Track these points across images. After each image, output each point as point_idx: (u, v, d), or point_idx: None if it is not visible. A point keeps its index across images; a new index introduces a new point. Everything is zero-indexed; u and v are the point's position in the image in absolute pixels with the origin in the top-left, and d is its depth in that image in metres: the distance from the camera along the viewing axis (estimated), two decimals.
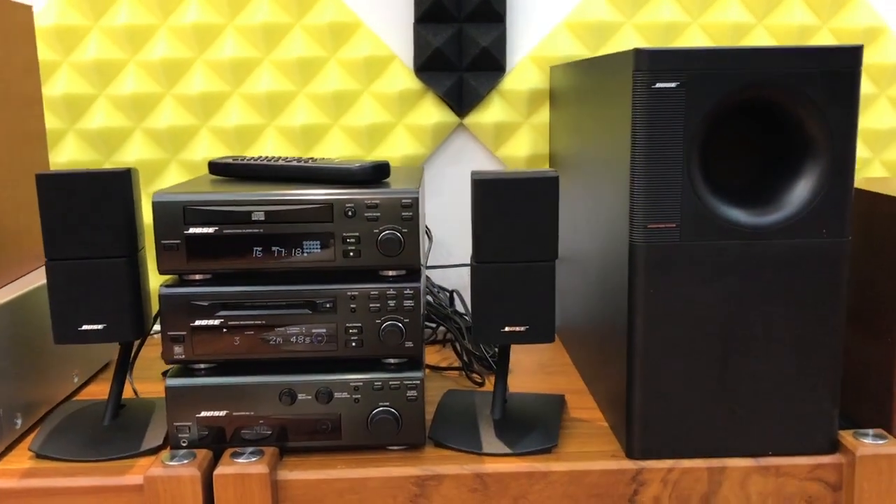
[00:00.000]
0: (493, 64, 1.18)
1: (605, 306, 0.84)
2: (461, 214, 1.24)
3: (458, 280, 1.24)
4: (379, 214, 0.76)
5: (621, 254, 0.77)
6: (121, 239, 0.79)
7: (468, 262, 1.22)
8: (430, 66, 1.18)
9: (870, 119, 1.22)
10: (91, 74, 1.16)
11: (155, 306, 0.84)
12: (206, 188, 0.78)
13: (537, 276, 0.78)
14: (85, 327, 0.79)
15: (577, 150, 1.00)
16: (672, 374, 0.76)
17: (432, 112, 1.20)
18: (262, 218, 0.76)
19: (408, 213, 0.76)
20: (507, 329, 0.79)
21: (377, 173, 0.80)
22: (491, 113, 1.20)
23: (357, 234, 0.76)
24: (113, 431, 0.83)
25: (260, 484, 0.74)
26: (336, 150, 1.19)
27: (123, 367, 0.86)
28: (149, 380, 1.02)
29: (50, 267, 0.78)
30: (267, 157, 0.85)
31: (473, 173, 0.77)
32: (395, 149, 1.20)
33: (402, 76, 1.19)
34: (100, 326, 0.79)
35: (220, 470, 0.74)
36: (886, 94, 1.21)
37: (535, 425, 0.83)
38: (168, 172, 1.19)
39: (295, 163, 0.83)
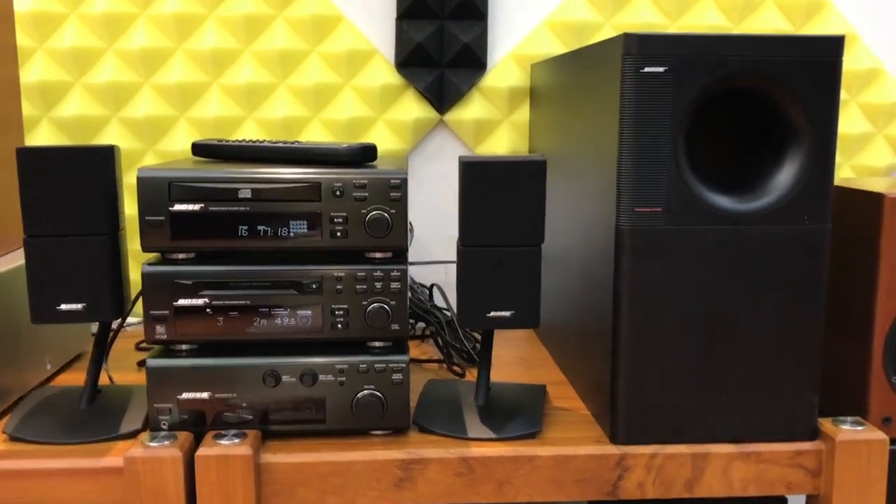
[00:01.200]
0: (474, 61, 1.19)
1: (589, 295, 0.85)
2: (441, 211, 1.24)
3: (436, 276, 1.23)
4: (367, 194, 0.76)
5: (607, 240, 0.78)
6: (102, 216, 0.77)
7: (447, 258, 1.23)
8: (411, 61, 1.19)
9: (840, 125, 1.24)
10: (68, 61, 1.14)
11: (135, 288, 0.83)
12: (192, 166, 0.78)
13: (524, 260, 0.78)
14: (63, 306, 0.78)
15: (558, 145, 1.00)
16: (656, 359, 0.77)
17: (413, 108, 1.20)
18: (249, 196, 0.75)
19: (396, 194, 0.76)
20: (492, 314, 0.79)
21: (364, 155, 0.80)
22: (471, 110, 1.20)
23: (344, 213, 0.76)
24: (90, 415, 0.81)
25: (243, 466, 0.73)
26: None
27: (101, 349, 0.85)
28: (123, 370, 1.00)
29: (28, 243, 0.77)
30: (252, 140, 0.84)
31: (462, 157, 0.77)
32: (376, 143, 1.19)
33: (383, 71, 1.19)
34: (79, 306, 0.78)
35: (202, 451, 0.73)
36: (857, 100, 1.24)
37: (518, 412, 0.83)
38: (143, 162, 1.18)
39: (281, 144, 0.82)
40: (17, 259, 0.90)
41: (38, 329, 0.92)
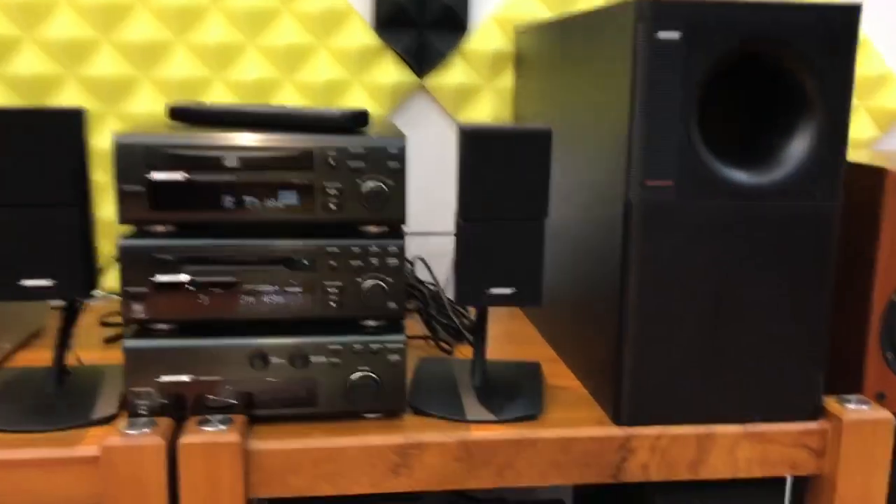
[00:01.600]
0: (455, 23, 1.14)
1: (590, 270, 0.81)
2: (420, 180, 1.19)
3: (419, 248, 1.19)
4: (364, 164, 0.71)
5: (613, 213, 0.74)
6: (72, 185, 0.71)
7: (429, 230, 1.18)
8: (390, 21, 1.13)
9: None
10: (14, 13, 1.06)
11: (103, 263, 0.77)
12: (170, 131, 0.71)
13: (527, 235, 0.74)
14: (27, 282, 0.71)
15: (550, 114, 0.96)
16: (662, 338, 0.74)
17: (391, 71, 1.14)
18: (236, 164, 0.69)
19: (395, 164, 0.71)
20: (492, 291, 0.75)
21: (357, 121, 0.74)
22: (452, 74, 1.15)
23: (339, 185, 0.71)
24: (58, 399, 0.75)
25: (230, 454, 0.68)
26: None
27: (67, 327, 0.79)
28: (88, 347, 0.94)
29: None
30: (235, 104, 0.78)
31: (462, 125, 0.73)
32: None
33: (360, 31, 1.13)
34: (47, 282, 0.72)
35: (186, 439, 0.68)
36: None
37: (517, 392, 0.79)
38: (105, 125, 1.10)
39: (266, 109, 0.76)
40: None
41: None
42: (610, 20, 0.75)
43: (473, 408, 0.76)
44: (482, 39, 1.15)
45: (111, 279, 1.12)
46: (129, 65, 1.09)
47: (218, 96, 1.11)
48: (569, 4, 1.15)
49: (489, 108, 1.17)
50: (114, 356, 0.91)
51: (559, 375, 0.88)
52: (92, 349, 0.93)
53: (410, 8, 1.12)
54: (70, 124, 0.70)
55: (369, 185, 0.71)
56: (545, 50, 0.98)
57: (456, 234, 0.75)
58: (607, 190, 0.76)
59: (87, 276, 0.73)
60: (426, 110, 1.18)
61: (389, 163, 0.71)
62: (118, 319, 1.03)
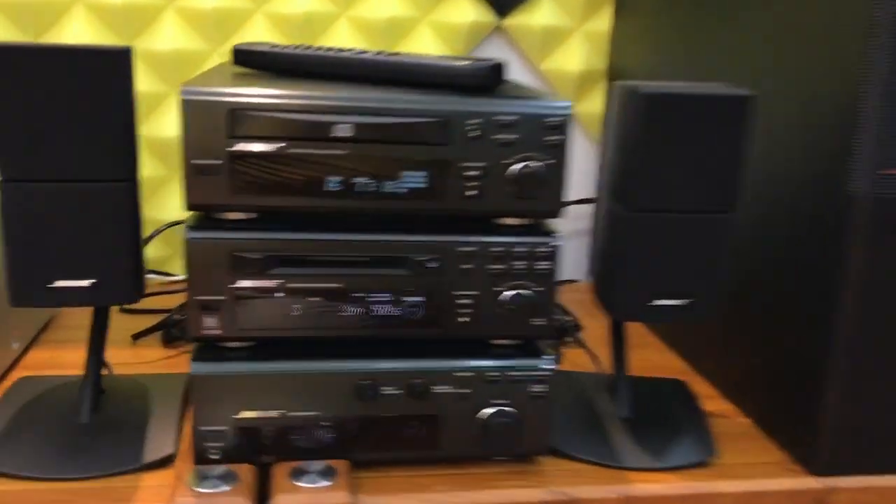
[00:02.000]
0: None
1: (779, 280, 0.64)
2: None
3: None
4: (516, 137, 0.53)
5: (820, 211, 0.57)
6: (117, 154, 0.52)
7: None
8: None
9: None
10: None
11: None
12: (260, 84, 0.53)
13: (709, 232, 0.57)
14: (60, 283, 0.53)
15: (673, 68, 0.78)
16: (882, 371, 0.58)
17: (466, 9, 0.95)
18: (349, 133, 0.51)
19: (555, 137, 0.53)
20: (657, 303, 0.58)
21: (494, 77, 0.56)
22: (539, 15, 0.97)
23: (483, 163, 0.53)
24: (96, 432, 0.58)
25: None
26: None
27: (101, 334, 0.61)
28: (111, 343, 0.75)
29: (7, 191, 0.51)
30: (323, 47, 0.59)
31: (630, 85, 0.55)
32: (417, 51, 0.95)
33: None
34: (85, 283, 0.53)
35: (280, 499, 0.51)
36: None
37: (678, 427, 0.63)
38: None
39: (371, 56, 0.57)
40: None
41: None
42: None
43: (628, 449, 0.60)
44: None
45: None
46: None
47: (257, 31, 0.92)
48: None
49: (579, 55, 0.99)
50: (145, 357, 0.73)
51: (706, 396, 0.71)
52: (116, 346, 0.75)
53: None
54: (117, 69, 0.51)
55: (522, 165, 0.53)
56: None
57: (611, 228, 0.58)
58: (811, 180, 0.59)
59: (136, 276, 0.55)
60: (505, 57, 0.99)
61: (548, 136, 0.53)
62: (144, 305, 0.85)
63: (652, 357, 0.80)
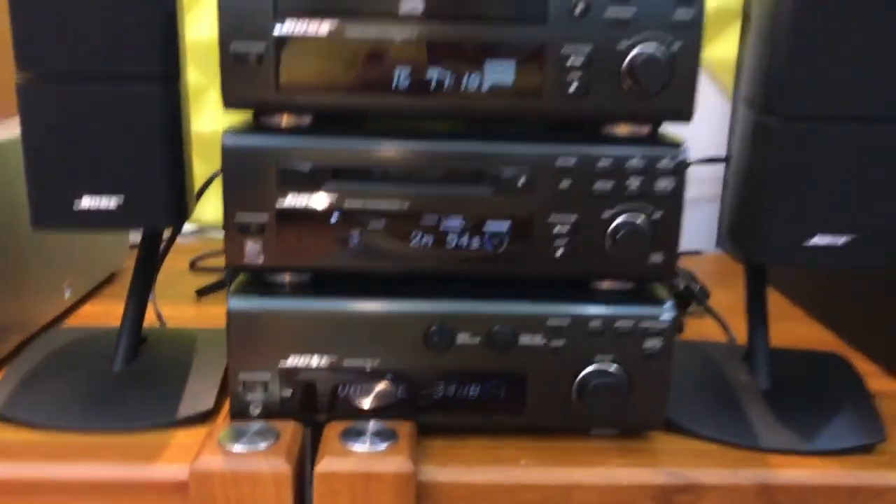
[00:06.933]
0: None
1: None
2: None
3: None
4: (632, 13, 0.41)
5: None
6: (153, 48, 0.44)
7: None
8: None
9: None
10: None
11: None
12: None
13: (889, 146, 0.44)
14: (86, 203, 0.46)
15: None
16: None
17: None
18: (420, 9, 0.41)
19: (686, 14, 0.42)
20: (816, 241, 0.45)
21: None
22: None
23: (588, 48, 0.42)
24: (129, 383, 0.50)
25: (396, 490, 0.41)
26: None
27: (146, 273, 0.53)
28: (174, 300, 0.68)
29: (25, 91, 0.44)
30: None
31: None
32: None
33: None
34: (111, 201, 0.46)
35: (326, 465, 0.41)
36: None
37: (833, 403, 0.50)
38: None
39: None
40: (5, 130, 0.57)
41: (52, 239, 0.60)
42: None
43: (768, 427, 0.48)
44: None
45: (209, 209, 0.86)
46: None
47: None
48: None
49: None
50: (209, 315, 0.66)
51: (866, 374, 0.57)
52: (179, 303, 0.68)
53: None
54: None
55: (640, 50, 0.42)
56: None
57: (757, 143, 0.46)
58: None
59: (175, 195, 0.47)
60: None
61: (679, 10, 0.41)
62: (216, 263, 0.78)
63: (796, 330, 0.66)
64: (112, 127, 0.45)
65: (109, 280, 0.73)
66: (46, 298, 0.61)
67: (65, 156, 0.45)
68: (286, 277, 0.46)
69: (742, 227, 0.48)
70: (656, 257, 0.45)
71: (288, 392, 0.45)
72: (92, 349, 0.54)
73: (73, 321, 0.64)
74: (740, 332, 0.59)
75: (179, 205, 0.48)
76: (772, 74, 0.45)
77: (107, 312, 0.66)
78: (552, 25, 0.42)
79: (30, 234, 0.55)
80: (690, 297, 0.67)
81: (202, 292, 0.70)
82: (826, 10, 0.43)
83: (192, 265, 0.78)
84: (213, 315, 0.66)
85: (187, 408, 0.47)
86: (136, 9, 0.43)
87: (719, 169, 0.89)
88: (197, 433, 0.46)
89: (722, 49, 0.87)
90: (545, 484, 0.44)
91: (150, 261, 0.53)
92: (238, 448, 0.42)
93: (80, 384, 0.49)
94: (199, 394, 0.49)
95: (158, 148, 0.46)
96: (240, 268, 0.45)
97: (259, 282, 0.46)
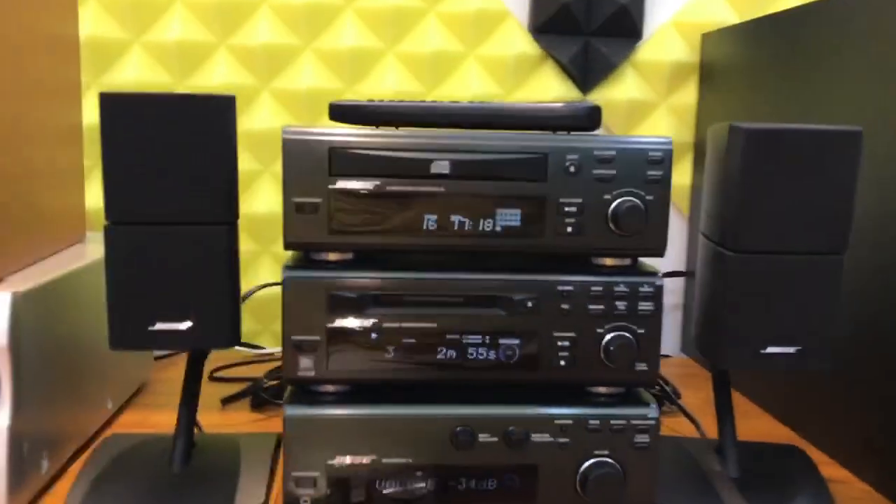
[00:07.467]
0: (627, 29, 0.96)
1: (885, 324, 0.61)
2: None
3: None
4: (615, 172, 0.52)
5: None
6: (220, 198, 0.53)
7: None
8: (551, 26, 0.95)
9: None
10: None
11: None
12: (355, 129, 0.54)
13: (820, 274, 0.55)
14: (160, 326, 0.53)
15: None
16: None
17: (551, 84, 0.97)
18: (447, 170, 0.51)
19: (656, 173, 0.52)
20: (769, 350, 0.55)
21: (590, 120, 0.56)
22: (623, 89, 0.97)
23: (579, 200, 0.52)
24: (188, 481, 0.57)
25: None
26: None
27: (195, 382, 0.61)
28: (200, 408, 0.75)
29: (114, 233, 0.53)
30: (416, 101, 0.60)
31: (735, 124, 0.54)
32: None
33: (516, 37, 0.96)
34: (183, 326, 0.54)
35: None
36: None
37: (793, 488, 0.59)
38: None
39: (461, 105, 0.58)
40: (73, 260, 0.65)
41: (97, 357, 0.68)
42: None
43: None
44: (658, 48, 0.97)
45: None
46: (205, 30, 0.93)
47: (305, 71, 0.94)
48: (765, 5, 0.97)
49: (664, 128, 0.98)
50: (235, 421, 0.73)
51: (818, 463, 0.67)
52: (204, 411, 0.75)
53: (577, 10, 0.94)
54: (219, 115, 0.53)
55: (622, 201, 0.52)
56: (753, 55, 0.80)
57: (715, 272, 0.56)
58: None
59: (234, 319, 0.55)
60: None
61: (650, 171, 0.52)
62: (231, 373, 0.85)
63: (757, 426, 0.75)
64: (183, 263, 0.53)
65: (139, 391, 0.80)
66: (94, 412, 0.68)
67: (143, 287, 0.53)
68: (329, 388, 0.54)
69: (707, 339, 0.58)
70: (642, 366, 0.54)
71: (333, 485, 0.53)
72: (147, 453, 0.61)
73: (117, 429, 0.70)
74: (709, 426, 0.68)
75: (236, 328, 0.56)
76: (726, 218, 0.55)
77: (144, 420, 0.73)
78: (551, 182, 0.52)
79: (85, 355, 0.63)
80: (664, 398, 0.76)
81: (227, 401, 0.77)
82: (763, 170, 0.53)
83: (211, 376, 0.85)
84: (238, 422, 0.73)
85: (244, 502, 0.55)
86: (206, 170, 0.52)
87: (680, 280, 1.00)
88: None
89: (678, 176, 0.99)
90: None
91: (197, 374, 0.61)
92: None
93: (144, 485, 0.56)
94: (251, 490, 0.56)
95: (222, 280, 0.54)
96: (293, 380, 0.53)
97: (307, 392, 0.54)
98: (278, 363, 0.86)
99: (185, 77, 0.92)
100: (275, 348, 0.95)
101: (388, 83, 0.94)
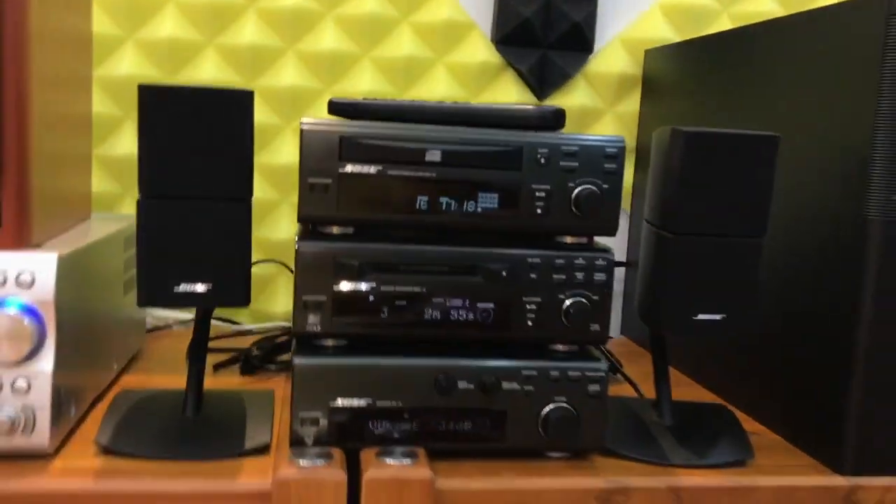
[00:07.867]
0: (581, 43, 1.07)
1: (797, 301, 0.73)
2: None
3: None
4: (577, 164, 0.62)
5: (838, 233, 0.66)
6: (239, 177, 0.62)
7: None
8: (512, 38, 1.06)
9: None
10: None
11: None
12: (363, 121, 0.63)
13: (743, 254, 0.66)
14: (183, 287, 0.62)
15: None
16: None
17: (510, 90, 1.07)
18: (438, 159, 0.61)
19: (611, 166, 0.63)
20: (700, 317, 0.66)
21: (557, 120, 0.66)
22: (575, 96, 1.08)
23: (548, 186, 0.62)
24: (202, 426, 0.65)
25: (421, 492, 0.58)
26: None
27: (203, 340, 0.69)
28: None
29: (147, 207, 0.61)
30: (405, 100, 0.70)
31: (677, 128, 0.65)
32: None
33: (480, 47, 1.06)
34: (202, 287, 0.62)
35: (372, 473, 0.58)
36: None
37: (718, 435, 0.70)
38: None
39: (446, 105, 0.68)
40: (86, 235, 0.73)
41: (107, 321, 0.75)
42: (838, 19, 0.68)
43: (675, 451, 0.67)
44: (607, 61, 1.09)
45: None
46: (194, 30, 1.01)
47: (288, 71, 1.03)
48: (701, 27, 1.09)
49: (610, 132, 1.10)
50: (228, 384, 0.81)
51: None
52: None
53: (536, 24, 1.05)
54: (242, 108, 0.62)
55: (582, 188, 0.62)
56: (689, 70, 0.92)
57: (657, 251, 0.66)
58: (829, 207, 0.68)
59: (246, 283, 0.64)
60: None
61: (606, 164, 0.63)
62: (217, 345, 0.93)
63: (689, 392, 0.87)
64: (204, 233, 0.62)
65: (135, 358, 0.88)
66: (105, 370, 0.76)
67: (168, 253, 0.62)
68: (330, 342, 0.63)
69: (648, 308, 0.68)
70: (595, 326, 0.64)
71: (334, 425, 0.62)
72: (161, 404, 0.68)
73: (122, 387, 0.78)
74: (647, 392, 0.79)
75: (247, 290, 0.65)
76: (667, 206, 0.66)
77: (141, 381, 0.80)
78: (525, 171, 0.62)
79: (96, 321, 0.71)
80: (609, 368, 0.87)
81: (219, 367, 0.86)
82: (698, 167, 0.64)
83: None
84: (231, 384, 0.82)
85: (251, 442, 0.63)
86: (226, 155, 0.61)
87: (620, 271, 1.11)
88: (261, 460, 0.62)
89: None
90: (521, 489, 0.62)
91: (205, 331, 0.69)
92: (305, 464, 0.58)
93: (164, 428, 0.64)
94: (258, 433, 0.65)
95: (237, 248, 0.63)
96: (302, 334, 0.62)
97: (311, 345, 0.63)
98: (258, 336, 0.94)
99: (174, 73, 1.00)
100: (252, 324, 1.02)
101: (363, 84, 1.03)
